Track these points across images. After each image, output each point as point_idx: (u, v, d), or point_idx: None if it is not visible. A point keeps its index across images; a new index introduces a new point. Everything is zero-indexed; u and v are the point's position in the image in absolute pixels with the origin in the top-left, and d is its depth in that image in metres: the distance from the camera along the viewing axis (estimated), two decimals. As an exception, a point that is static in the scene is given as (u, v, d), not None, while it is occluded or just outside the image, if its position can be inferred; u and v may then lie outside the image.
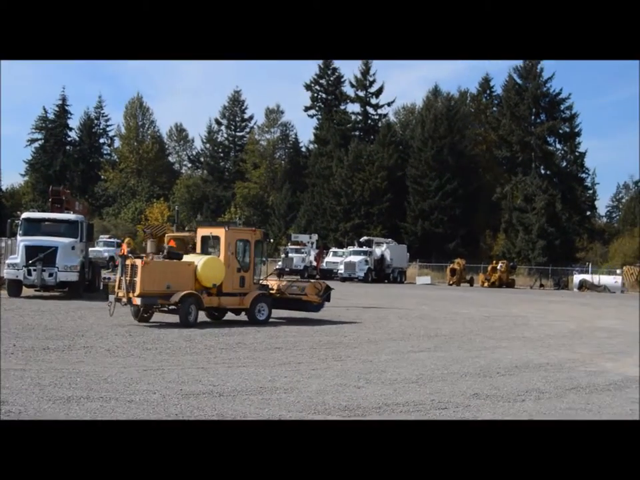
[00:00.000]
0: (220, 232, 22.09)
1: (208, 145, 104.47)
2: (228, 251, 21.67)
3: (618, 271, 63.09)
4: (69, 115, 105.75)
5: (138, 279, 20.10)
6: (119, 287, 20.95)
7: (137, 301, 20.21)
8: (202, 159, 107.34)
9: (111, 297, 21.00)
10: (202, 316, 21.36)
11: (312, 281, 25.30)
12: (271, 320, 22.02)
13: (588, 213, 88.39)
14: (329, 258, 62.19)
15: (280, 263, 61.01)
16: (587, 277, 60.86)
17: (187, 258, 21.77)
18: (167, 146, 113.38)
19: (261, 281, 22.88)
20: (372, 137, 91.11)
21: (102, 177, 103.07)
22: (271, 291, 23.05)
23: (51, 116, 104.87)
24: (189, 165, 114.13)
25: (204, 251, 22.49)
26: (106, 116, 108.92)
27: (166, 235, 35.56)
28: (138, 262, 20.43)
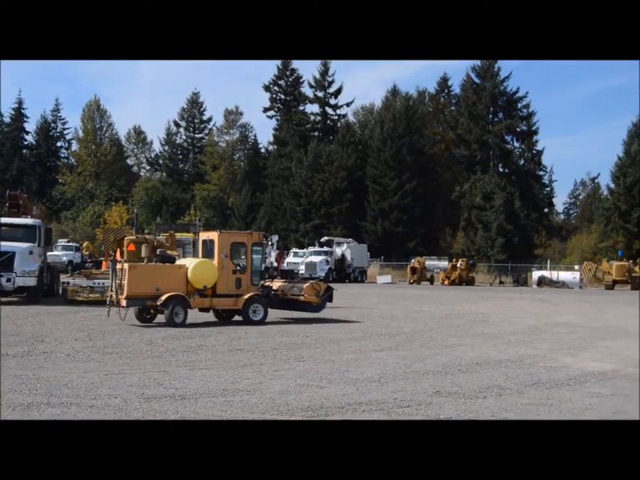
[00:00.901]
0: (214, 235, 22.91)
1: (167, 147, 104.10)
2: (222, 253, 22.40)
3: (576, 267, 63.74)
4: (25, 119, 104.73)
5: (125, 282, 21.02)
6: (112, 290, 21.77)
7: (123, 303, 21.13)
8: (161, 161, 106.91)
9: (108, 300, 21.92)
10: (203, 318, 21.22)
11: (311, 281, 25.55)
12: (241, 320, 22.04)
13: (546, 210, 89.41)
14: (290, 258, 62.19)
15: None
16: (546, 273, 61.45)
17: (183, 261, 23.27)
18: (125, 148, 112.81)
19: (265, 283, 23.78)
20: (331, 137, 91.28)
21: (59, 180, 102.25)
22: (273, 292, 23.76)
23: (6, 119, 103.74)
24: (148, 168, 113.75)
25: (205, 255, 23.16)
26: (63, 119, 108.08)
27: (125, 237, 35.43)
28: (126, 266, 21.30)
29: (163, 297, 21.07)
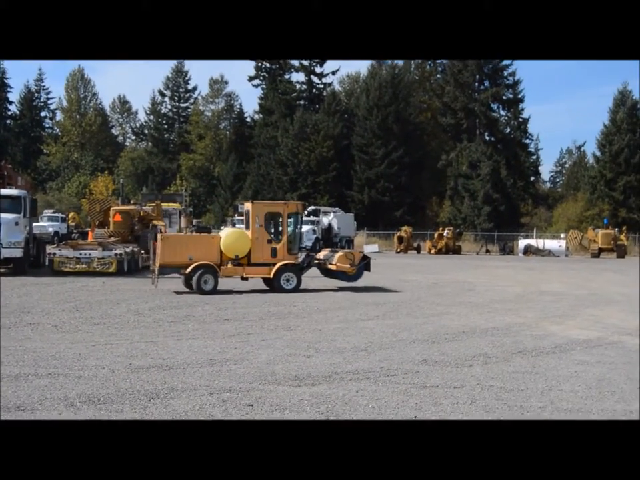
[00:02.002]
0: (248, 206, 23.92)
1: (152, 117, 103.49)
2: (255, 223, 23.19)
3: (562, 236, 63.94)
4: (8, 89, 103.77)
5: (158, 251, 22.60)
6: (153, 260, 23.60)
7: (156, 271, 22.83)
8: (146, 131, 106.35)
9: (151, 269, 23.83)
10: (236, 285, 21.22)
11: (345, 250, 25.99)
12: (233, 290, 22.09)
13: (532, 178, 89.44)
14: (277, 228, 62.04)
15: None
16: (532, 241, 61.60)
17: (222, 232, 24.93)
18: (110, 118, 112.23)
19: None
20: (317, 106, 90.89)
21: (44, 150, 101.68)
22: (317, 262, 24.63)
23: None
24: (133, 138, 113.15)
25: (245, 225, 24.28)
26: (47, 89, 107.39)
27: (111, 208, 35.37)
28: (159, 236, 23.26)
29: (190, 267, 22.24)
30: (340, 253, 24.58)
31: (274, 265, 23.01)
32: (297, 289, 23.01)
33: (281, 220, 23.50)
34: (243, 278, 23.57)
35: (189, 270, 22.30)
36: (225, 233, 24.12)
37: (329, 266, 24.29)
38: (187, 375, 10.34)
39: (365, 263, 24.51)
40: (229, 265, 22.96)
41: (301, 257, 24.75)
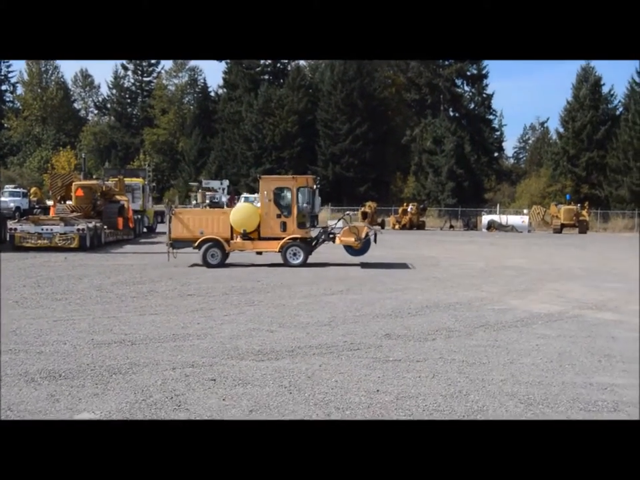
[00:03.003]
0: (259, 182, 24.29)
1: (114, 91, 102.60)
2: (265, 198, 23.50)
3: (525, 211, 64.38)
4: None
5: (171, 226, 23.47)
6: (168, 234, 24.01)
7: (169, 245, 23.59)
8: (109, 105, 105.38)
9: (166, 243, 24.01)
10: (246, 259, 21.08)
11: (353, 224, 25.52)
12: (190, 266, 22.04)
13: (496, 154, 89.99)
14: (241, 203, 61.94)
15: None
16: (495, 217, 61.98)
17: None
18: (72, 92, 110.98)
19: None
20: (281, 80, 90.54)
21: (5, 125, 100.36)
22: (332, 235, 24.64)
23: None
24: (96, 112, 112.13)
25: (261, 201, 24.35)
26: (6, 61, 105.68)
27: (73, 183, 35.01)
28: (172, 211, 24.04)
29: (198, 240, 22.97)
30: (345, 227, 24.51)
31: (283, 239, 23.27)
32: (303, 264, 23.06)
33: (289, 194, 23.53)
34: (258, 252, 24.08)
35: (196, 244, 22.96)
36: (235, 207, 24.61)
37: (335, 240, 24.32)
38: (150, 350, 10.30)
39: (370, 237, 24.38)
40: (238, 239, 23.38)
41: (316, 231, 24.91)
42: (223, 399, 7.89)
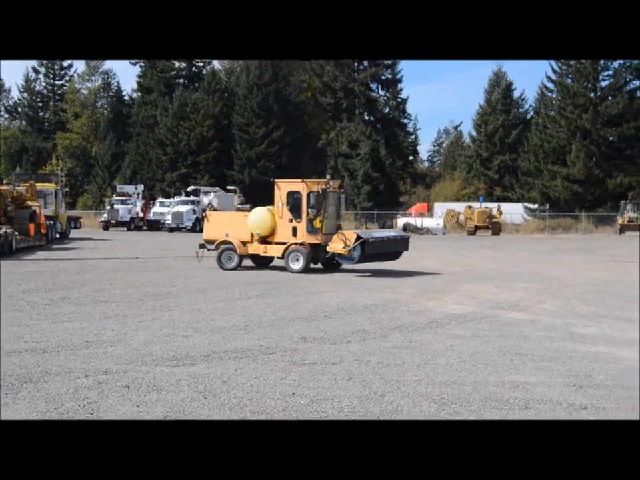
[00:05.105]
0: (274, 186, 23.95)
1: (26, 94, 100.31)
2: (278, 202, 23.43)
3: (439, 214, 65.18)
4: None
5: (204, 228, 24.75)
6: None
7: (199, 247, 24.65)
8: (20, 109, 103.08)
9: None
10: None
11: (342, 231, 23.59)
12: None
13: (411, 157, 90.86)
14: (156, 209, 61.38)
15: (105, 215, 59.89)
16: (410, 220, 62.58)
17: None
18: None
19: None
20: (197, 84, 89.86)
21: None
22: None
23: None
24: (6, 116, 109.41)
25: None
26: None
27: (-17, 189, 34.14)
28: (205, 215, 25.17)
29: (216, 243, 23.83)
30: (335, 235, 23.07)
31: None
32: (304, 270, 22.64)
33: (300, 198, 23.15)
34: (260, 258, 24.23)
35: (214, 246, 23.77)
36: (253, 211, 24.27)
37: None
38: (62, 358, 10.11)
39: (360, 244, 22.39)
40: (255, 243, 23.53)
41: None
42: (137, 406, 7.79)
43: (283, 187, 23.61)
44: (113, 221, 59.20)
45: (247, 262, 24.58)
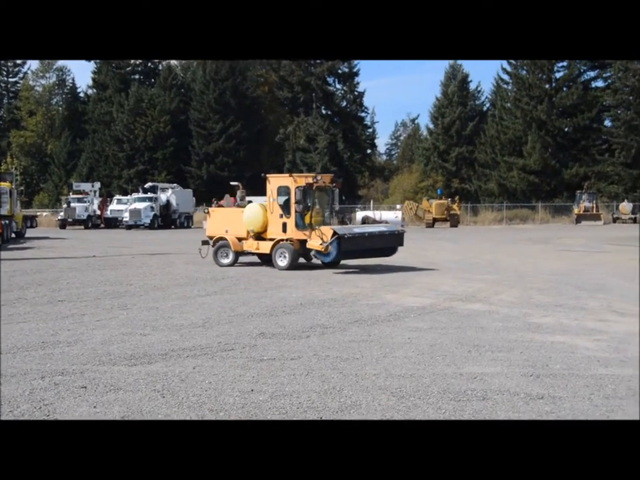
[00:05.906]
0: (266, 181, 23.61)
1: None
2: (270, 197, 23.05)
3: (398, 207, 65.37)
4: None
5: (206, 225, 24.79)
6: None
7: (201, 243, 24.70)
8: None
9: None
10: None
11: (319, 227, 22.35)
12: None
13: (369, 151, 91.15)
14: (113, 206, 60.94)
15: (62, 213, 59.32)
16: (369, 213, 62.59)
17: None
18: None
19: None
20: (153, 80, 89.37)
21: None
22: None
23: None
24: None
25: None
26: None
27: None
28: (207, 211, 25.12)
29: (212, 240, 24.07)
30: (313, 232, 22.16)
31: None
32: (289, 267, 22.27)
33: (288, 194, 22.73)
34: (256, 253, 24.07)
35: (211, 243, 23.99)
36: (247, 207, 24.08)
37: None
38: (17, 360, 9.99)
39: (337, 241, 21.42)
40: (250, 240, 23.33)
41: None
42: (94, 406, 7.73)
43: (274, 182, 23.24)
44: (69, 220, 58.65)
45: (249, 259, 24.71)
